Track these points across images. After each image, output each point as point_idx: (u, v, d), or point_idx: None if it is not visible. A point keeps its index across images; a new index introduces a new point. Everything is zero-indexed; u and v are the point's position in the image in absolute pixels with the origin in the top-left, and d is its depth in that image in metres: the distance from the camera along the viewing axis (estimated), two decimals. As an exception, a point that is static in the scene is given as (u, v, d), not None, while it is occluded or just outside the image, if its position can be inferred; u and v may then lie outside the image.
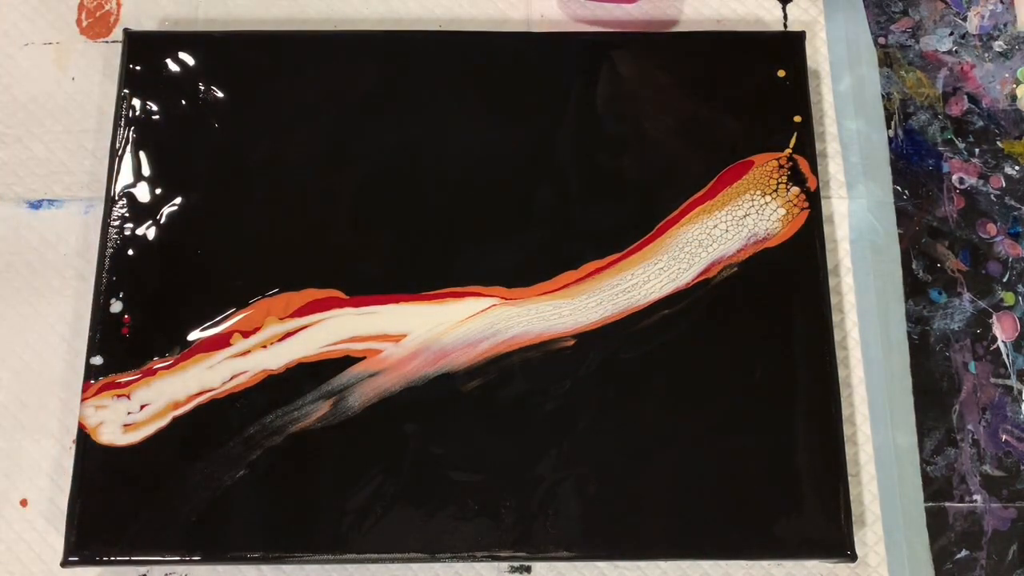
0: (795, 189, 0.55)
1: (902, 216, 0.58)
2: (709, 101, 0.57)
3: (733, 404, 0.52)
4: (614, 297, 0.53)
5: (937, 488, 0.54)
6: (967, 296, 0.57)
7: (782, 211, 0.55)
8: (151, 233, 0.54)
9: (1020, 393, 0.56)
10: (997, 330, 0.57)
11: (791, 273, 0.54)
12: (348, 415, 0.51)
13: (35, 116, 0.59)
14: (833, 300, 0.55)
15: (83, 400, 0.51)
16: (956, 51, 0.62)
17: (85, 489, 0.50)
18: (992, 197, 0.59)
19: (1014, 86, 0.61)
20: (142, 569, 0.52)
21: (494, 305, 0.53)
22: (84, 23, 0.61)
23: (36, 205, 0.57)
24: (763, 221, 0.54)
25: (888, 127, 0.60)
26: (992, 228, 0.58)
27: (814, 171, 0.55)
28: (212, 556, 0.50)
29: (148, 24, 0.61)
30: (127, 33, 0.58)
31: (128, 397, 0.51)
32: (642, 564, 0.52)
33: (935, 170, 0.59)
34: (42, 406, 0.54)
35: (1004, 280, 0.58)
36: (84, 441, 0.51)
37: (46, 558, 0.52)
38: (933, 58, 0.61)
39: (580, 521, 0.50)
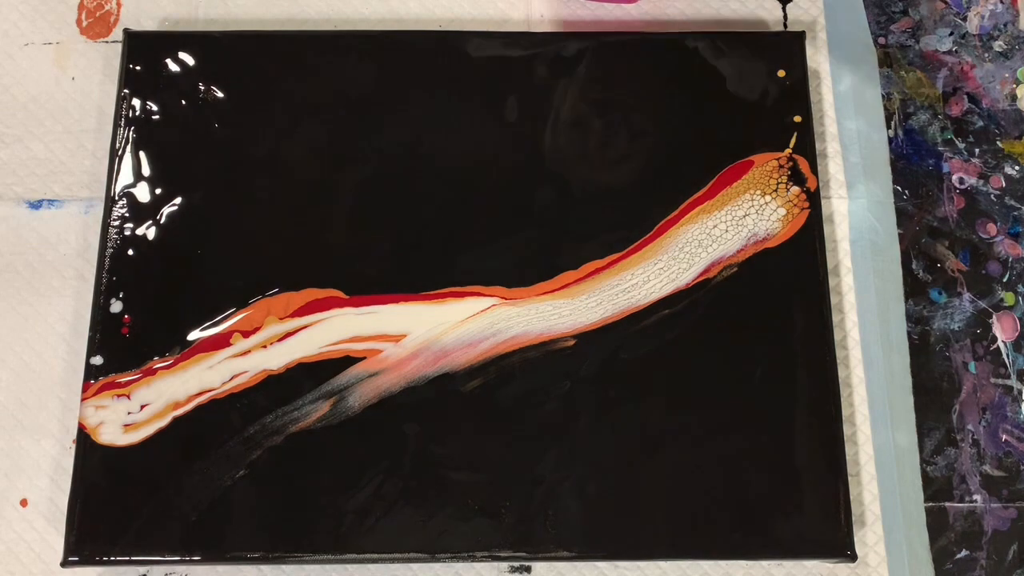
0: (795, 189, 0.55)
1: (902, 216, 0.58)
2: (709, 101, 0.57)
3: (733, 404, 0.52)
4: (614, 297, 0.53)
5: (937, 488, 0.54)
6: (967, 296, 0.57)
7: (782, 211, 0.55)
8: (151, 233, 0.54)
9: (1020, 393, 0.56)
10: (997, 330, 0.57)
11: (791, 273, 0.54)
12: (348, 415, 0.51)
13: (35, 116, 0.59)
14: (833, 300, 0.55)
15: (83, 400, 0.51)
16: (956, 51, 0.62)
17: (85, 489, 0.50)
18: (992, 197, 0.59)
19: (1014, 86, 0.61)
20: (142, 569, 0.52)
21: (494, 305, 0.53)
22: (84, 23, 0.61)
23: (36, 205, 0.57)
24: (763, 221, 0.54)
25: (888, 127, 0.60)
26: (992, 228, 0.58)
27: (814, 171, 0.55)
28: (212, 556, 0.50)
29: (148, 24, 0.61)
30: (127, 33, 0.58)
31: (128, 397, 0.51)
32: (642, 564, 0.52)
33: (935, 170, 0.59)
34: (42, 406, 0.54)
35: (1004, 280, 0.58)
36: (84, 441, 0.51)
37: (46, 558, 0.52)
38: (933, 58, 0.61)
39: (580, 521, 0.50)
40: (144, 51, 0.57)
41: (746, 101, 0.57)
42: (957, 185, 0.59)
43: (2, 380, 0.55)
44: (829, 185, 0.58)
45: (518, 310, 0.53)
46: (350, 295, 0.53)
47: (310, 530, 0.50)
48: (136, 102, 0.56)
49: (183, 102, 0.56)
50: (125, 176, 0.55)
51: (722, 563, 0.52)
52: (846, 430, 0.53)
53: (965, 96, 0.61)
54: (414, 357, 0.52)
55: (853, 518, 0.50)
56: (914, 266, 0.58)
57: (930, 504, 0.54)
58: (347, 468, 0.50)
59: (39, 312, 0.56)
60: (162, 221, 0.54)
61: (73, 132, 0.59)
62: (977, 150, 0.60)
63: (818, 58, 0.60)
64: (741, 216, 0.54)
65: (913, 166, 0.59)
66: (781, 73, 0.57)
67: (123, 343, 0.52)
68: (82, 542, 0.49)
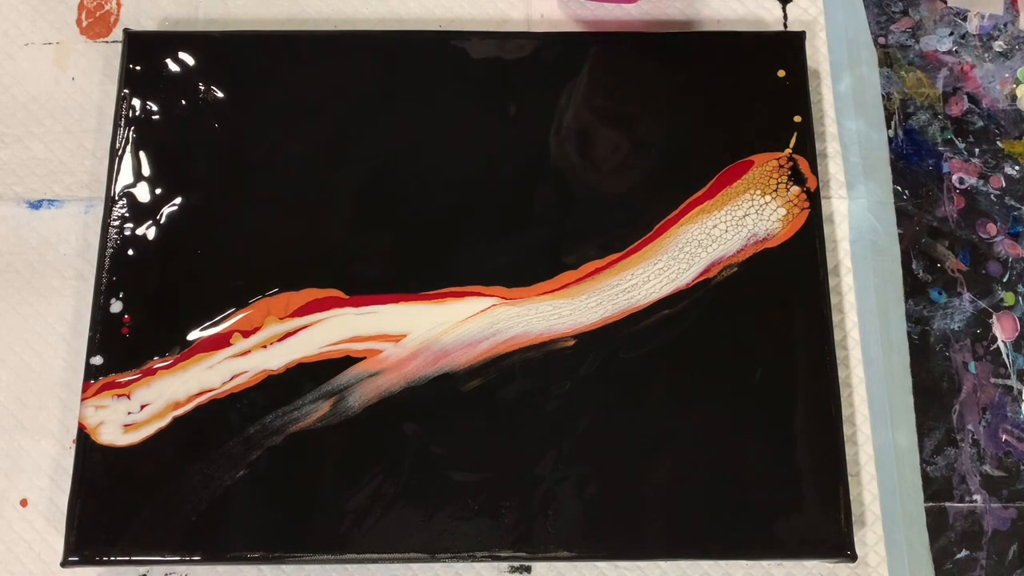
0: (795, 189, 0.55)
1: (902, 216, 0.58)
2: (709, 101, 0.57)
3: (733, 404, 0.52)
4: (614, 297, 0.53)
5: (937, 488, 0.54)
6: (967, 296, 0.57)
7: (782, 211, 0.55)
8: (151, 233, 0.54)
9: (1020, 393, 0.56)
10: (997, 330, 0.57)
11: (791, 273, 0.54)
12: (348, 415, 0.51)
13: (35, 116, 0.59)
14: (833, 300, 0.55)
15: (83, 400, 0.51)
16: (956, 51, 0.62)
17: (85, 489, 0.50)
18: (992, 197, 0.59)
19: (1014, 86, 0.61)
20: (142, 569, 0.52)
21: (494, 305, 0.53)
22: (84, 23, 0.61)
23: (36, 205, 0.57)
24: (763, 221, 0.54)
25: (888, 127, 0.60)
26: (992, 228, 0.58)
27: (814, 171, 0.55)
28: (212, 556, 0.50)
29: (148, 24, 0.61)
30: (127, 33, 0.58)
31: (128, 397, 0.51)
32: (642, 564, 0.52)
33: (935, 170, 0.59)
34: (42, 406, 0.54)
35: (1004, 280, 0.58)
36: (84, 441, 0.51)
37: (46, 558, 0.52)
38: (933, 58, 0.61)
39: (580, 521, 0.50)
40: (144, 51, 0.57)
41: (746, 101, 0.57)
42: (957, 185, 0.59)
43: (2, 380, 0.55)
44: (829, 185, 0.58)
45: (518, 310, 0.53)
46: (350, 295, 0.53)
47: (310, 530, 0.50)
48: (136, 102, 0.56)
49: (183, 102, 0.56)
50: (125, 176, 0.55)
51: (722, 563, 0.52)
52: (846, 430, 0.53)
53: (965, 96, 0.61)
54: (414, 357, 0.52)
55: (853, 518, 0.50)
56: (914, 266, 0.58)
57: (930, 504, 0.54)
58: (347, 468, 0.50)
59: (39, 312, 0.56)
60: (162, 221, 0.54)
61: (73, 132, 0.59)
62: (977, 150, 0.60)
63: (818, 58, 0.60)
64: (741, 216, 0.54)
65: (913, 166, 0.59)
66: (781, 73, 0.57)
67: (123, 343, 0.52)
68: (82, 542, 0.49)
